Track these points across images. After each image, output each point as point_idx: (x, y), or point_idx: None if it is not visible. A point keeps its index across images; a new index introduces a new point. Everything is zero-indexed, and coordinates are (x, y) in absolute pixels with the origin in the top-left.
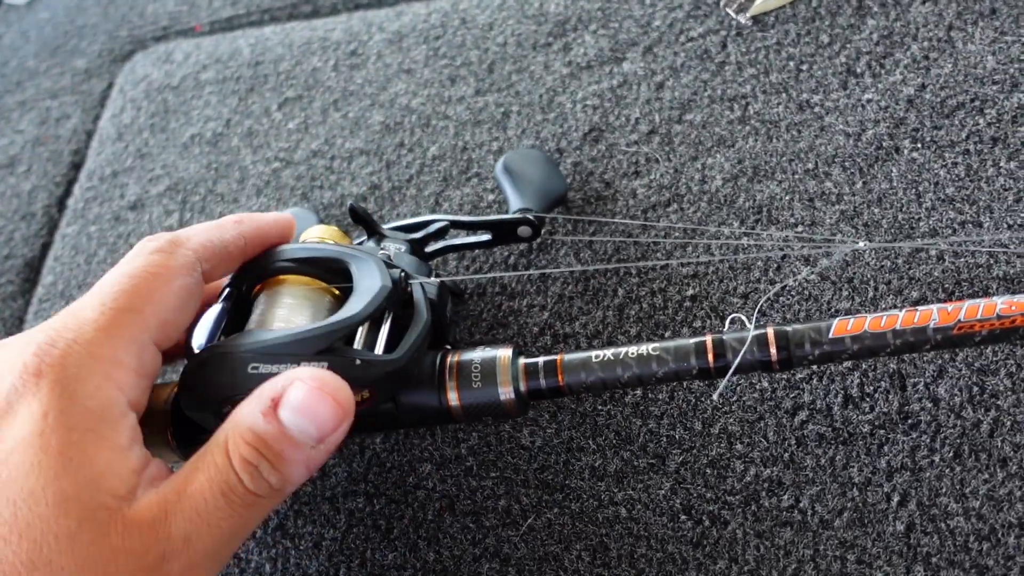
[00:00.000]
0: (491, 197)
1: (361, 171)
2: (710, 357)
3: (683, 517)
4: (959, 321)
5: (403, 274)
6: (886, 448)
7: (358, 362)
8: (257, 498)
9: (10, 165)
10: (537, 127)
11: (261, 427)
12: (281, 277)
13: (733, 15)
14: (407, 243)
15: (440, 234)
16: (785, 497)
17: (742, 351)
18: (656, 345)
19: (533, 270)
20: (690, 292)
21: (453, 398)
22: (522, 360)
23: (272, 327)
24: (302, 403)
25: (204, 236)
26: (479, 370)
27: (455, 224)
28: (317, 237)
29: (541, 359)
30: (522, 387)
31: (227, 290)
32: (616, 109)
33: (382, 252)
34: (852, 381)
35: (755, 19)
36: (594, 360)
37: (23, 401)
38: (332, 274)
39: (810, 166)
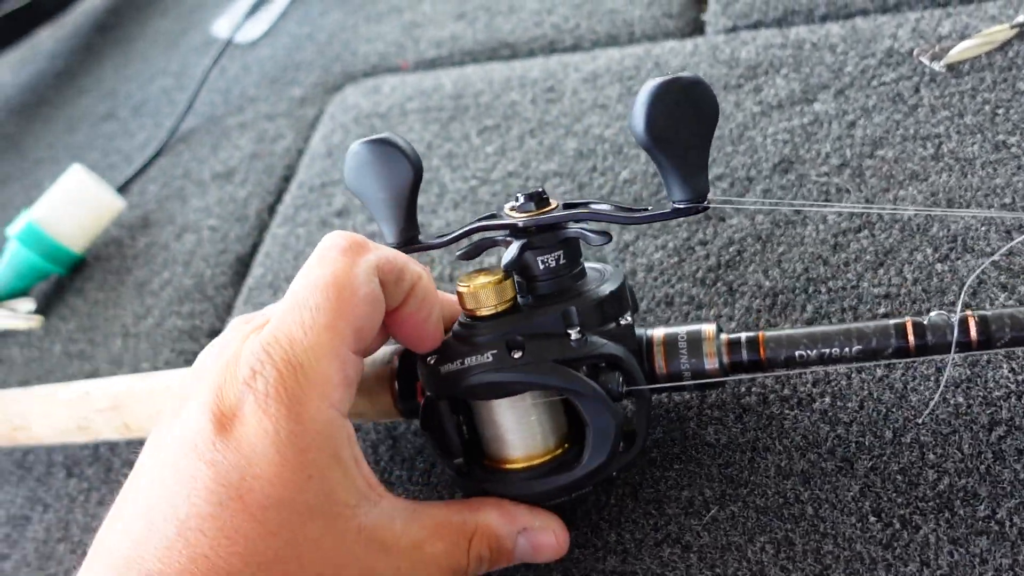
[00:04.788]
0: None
1: (555, 190)
2: (910, 338)
3: (872, 519)
4: None
5: (623, 390)
6: None
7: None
8: None
9: (228, 175)
10: (727, 157)
11: (507, 544)
12: None
13: (927, 63)
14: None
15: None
16: (981, 508)
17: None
18: (854, 326)
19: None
20: (881, 310)
21: (660, 365)
22: (724, 335)
23: (509, 445)
24: (541, 545)
25: (389, 253)
26: (685, 341)
27: (607, 220)
28: (475, 286)
29: (744, 334)
30: (725, 359)
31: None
32: (806, 143)
33: (573, 339)
34: None
35: (950, 67)
36: (795, 336)
37: (254, 414)
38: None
39: (1007, 200)
